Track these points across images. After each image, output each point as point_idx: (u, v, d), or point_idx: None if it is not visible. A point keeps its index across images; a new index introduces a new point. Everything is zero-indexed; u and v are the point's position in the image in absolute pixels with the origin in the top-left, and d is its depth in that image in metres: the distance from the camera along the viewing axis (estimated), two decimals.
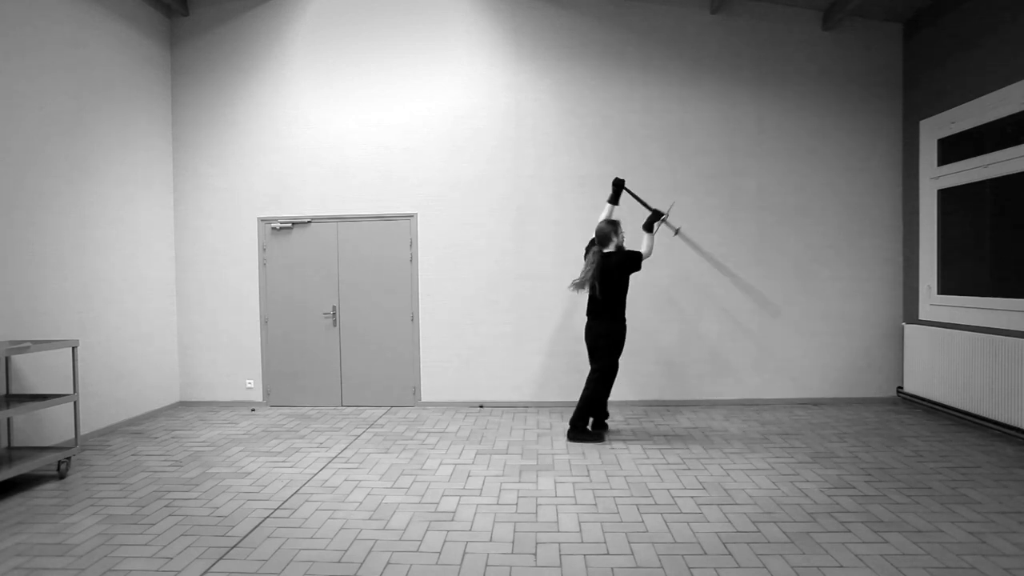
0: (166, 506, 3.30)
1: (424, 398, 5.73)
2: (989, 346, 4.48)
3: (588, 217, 5.44)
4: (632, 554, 2.67)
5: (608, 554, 2.67)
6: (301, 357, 5.80)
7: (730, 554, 2.65)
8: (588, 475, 3.71)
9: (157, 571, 2.56)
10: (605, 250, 4.39)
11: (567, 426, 4.70)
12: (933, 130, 5.17)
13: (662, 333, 5.59)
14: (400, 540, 2.84)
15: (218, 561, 2.65)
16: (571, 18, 5.60)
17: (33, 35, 4.29)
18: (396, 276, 5.73)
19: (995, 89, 4.52)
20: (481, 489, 3.50)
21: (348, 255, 5.76)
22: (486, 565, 2.59)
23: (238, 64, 5.79)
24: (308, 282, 5.79)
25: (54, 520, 3.13)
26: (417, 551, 2.73)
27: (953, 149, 5.01)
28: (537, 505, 3.24)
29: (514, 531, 2.92)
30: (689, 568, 2.53)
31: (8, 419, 4.02)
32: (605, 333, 4.41)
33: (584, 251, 4.69)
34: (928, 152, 5.23)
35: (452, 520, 3.07)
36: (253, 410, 5.67)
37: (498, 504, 3.27)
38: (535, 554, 2.68)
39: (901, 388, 5.49)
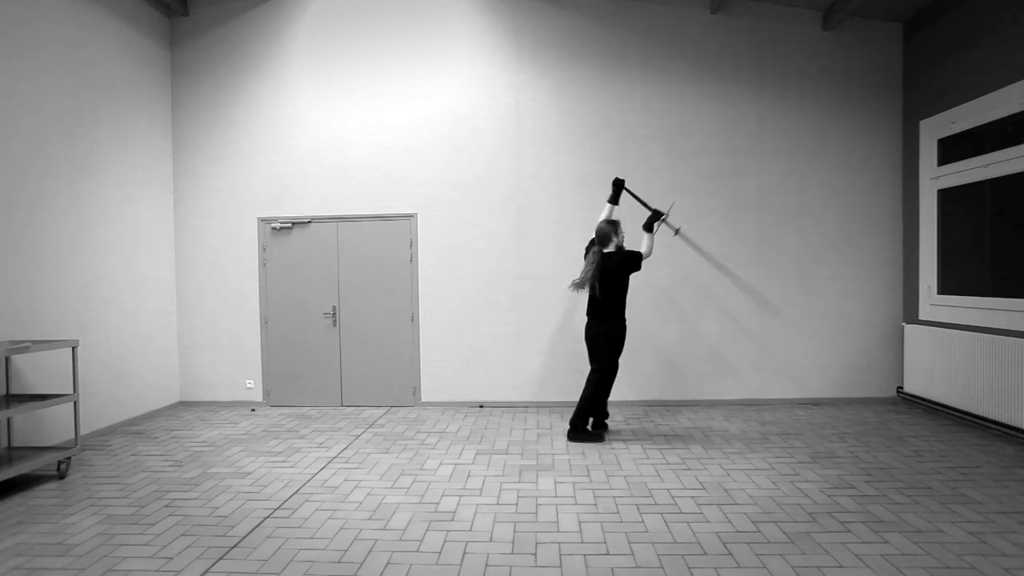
0: (166, 506, 3.30)
1: (424, 398, 5.73)
2: (989, 346, 4.48)
3: (588, 217, 5.44)
4: (632, 554, 2.67)
5: (608, 554, 2.67)
6: (301, 357, 5.80)
7: (730, 554, 2.65)
8: (588, 475, 3.71)
9: (157, 571, 2.56)
10: (605, 250, 4.39)
11: (567, 426, 4.70)
12: (933, 130, 5.17)
13: (662, 333, 5.59)
14: (400, 540, 2.84)
15: (218, 561, 2.65)
16: (571, 18, 5.60)
17: (33, 35, 4.29)
18: (396, 276, 5.73)
19: (995, 89, 4.52)
20: (481, 489, 3.50)
21: (348, 255, 5.76)
22: (486, 565, 2.59)
23: (238, 64, 5.79)
24: (308, 282, 5.79)
25: (54, 520, 3.13)
26: (417, 551, 2.73)
27: (953, 149, 5.01)
28: (537, 505, 3.24)
29: (514, 531, 2.92)
30: (689, 568, 2.53)
31: (8, 419, 4.02)
32: (605, 333, 4.41)
33: (584, 251, 4.69)
34: (928, 152, 5.23)
35: (452, 520, 3.07)
36: (253, 410, 5.67)
37: (498, 504, 3.27)
38: (535, 554, 2.68)
39: (901, 388, 5.49)
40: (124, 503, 3.35)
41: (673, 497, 3.33)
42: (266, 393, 5.83)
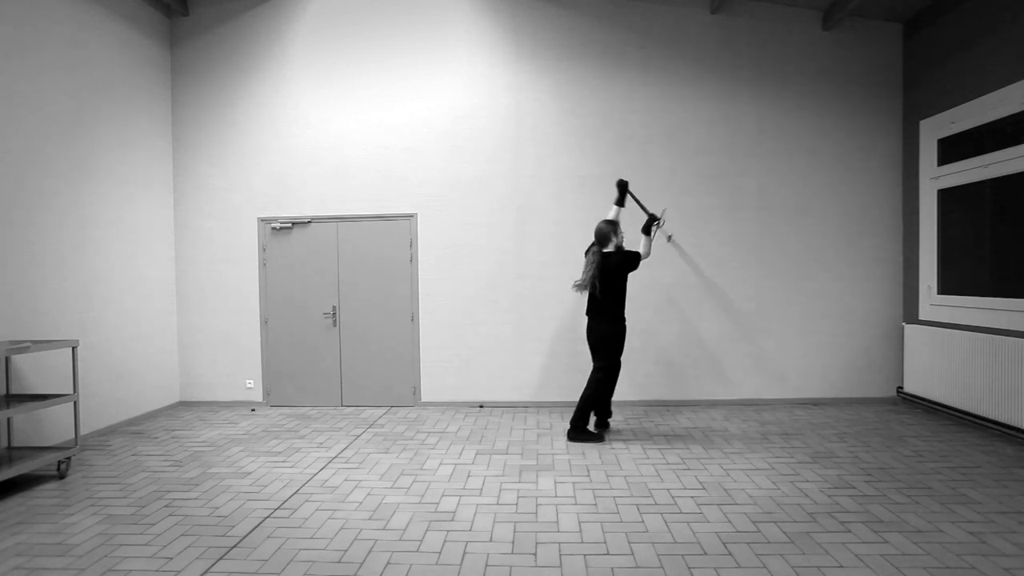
0: (166, 506, 3.30)
1: (424, 398, 5.73)
2: (989, 346, 4.48)
3: (588, 217, 5.44)
4: (632, 554, 2.67)
5: (608, 554, 2.67)
6: (301, 357, 5.80)
7: (730, 554, 2.65)
8: (588, 475, 3.71)
9: (157, 571, 2.56)
10: (604, 250, 4.40)
11: (567, 426, 4.70)
12: (933, 130, 5.17)
13: (662, 333, 5.59)
14: (400, 540, 2.84)
15: (218, 561, 2.65)
16: (571, 18, 5.60)
17: (33, 35, 4.29)
18: (396, 276, 5.73)
19: (995, 89, 4.52)
20: (481, 489, 3.50)
21: (348, 255, 5.76)
22: (486, 565, 2.59)
23: (238, 64, 5.79)
24: (308, 282, 5.79)
25: (54, 520, 3.13)
26: (417, 551, 2.73)
27: (953, 149, 5.01)
28: (537, 505, 3.24)
29: (514, 531, 2.92)
30: (689, 568, 2.53)
31: (8, 419, 4.02)
32: (606, 333, 4.41)
33: (584, 252, 4.70)
34: (928, 152, 5.23)
35: (452, 520, 3.07)
36: (253, 410, 5.67)
37: (498, 504, 3.27)
38: (535, 554, 2.68)
39: (901, 388, 5.49)
40: (124, 503, 3.35)
41: (673, 497, 3.33)
42: (266, 393, 5.83)
